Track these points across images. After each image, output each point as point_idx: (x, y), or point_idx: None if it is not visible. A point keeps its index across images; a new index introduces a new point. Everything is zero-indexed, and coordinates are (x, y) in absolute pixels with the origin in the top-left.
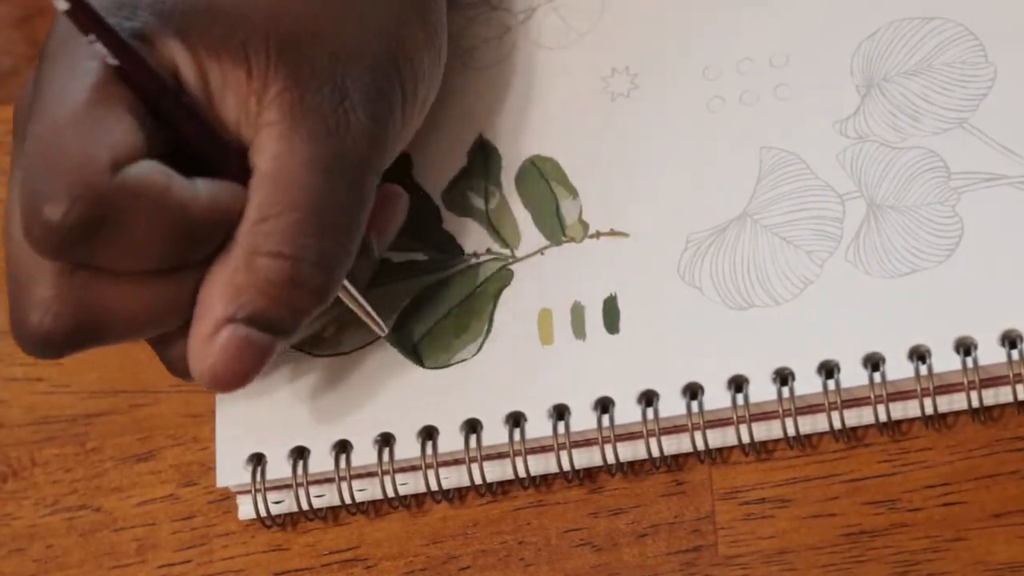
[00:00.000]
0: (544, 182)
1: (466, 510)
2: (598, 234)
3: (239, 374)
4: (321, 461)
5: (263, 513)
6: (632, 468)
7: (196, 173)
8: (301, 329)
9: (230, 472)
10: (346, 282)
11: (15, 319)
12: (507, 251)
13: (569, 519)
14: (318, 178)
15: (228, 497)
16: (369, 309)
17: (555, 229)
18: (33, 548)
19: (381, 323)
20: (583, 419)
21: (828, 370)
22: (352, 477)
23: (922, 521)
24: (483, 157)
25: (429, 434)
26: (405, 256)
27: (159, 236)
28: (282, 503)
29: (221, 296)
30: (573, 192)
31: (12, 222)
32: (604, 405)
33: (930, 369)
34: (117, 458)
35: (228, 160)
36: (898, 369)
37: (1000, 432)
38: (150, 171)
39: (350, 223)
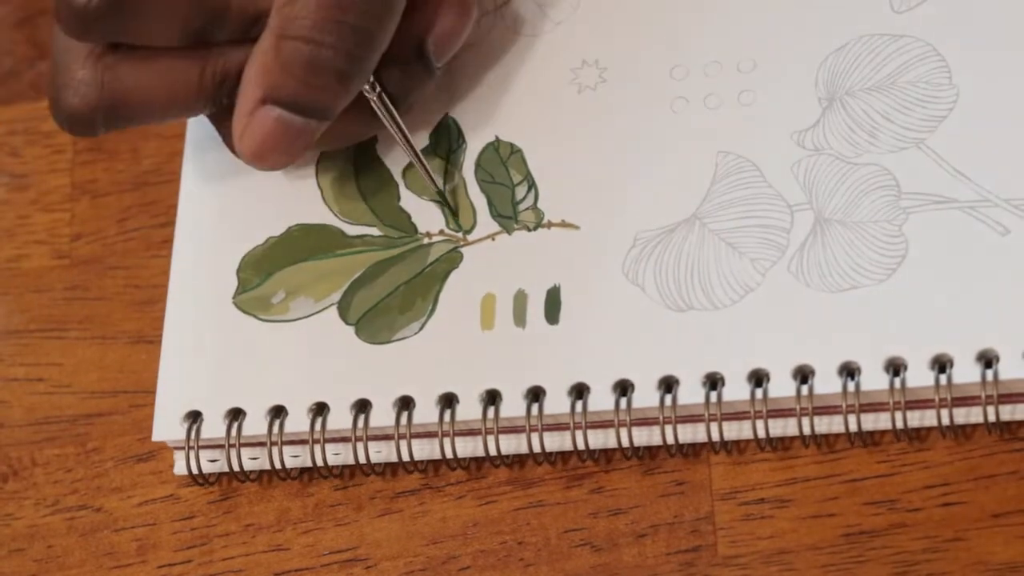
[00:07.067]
0: (503, 168)
1: (466, 510)
2: (550, 224)
3: (274, 152)
4: (256, 424)
5: (195, 471)
6: (562, 459)
7: None
8: (336, 111)
9: (167, 427)
10: (386, 99)
11: (52, 99)
12: (459, 234)
13: (569, 519)
14: None
15: (228, 497)
16: (404, 130)
17: (509, 215)
18: (34, 548)
19: (415, 147)
20: (514, 406)
21: (758, 378)
22: (284, 443)
23: (921, 521)
24: (447, 138)
25: (362, 407)
26: (360, 229)
27: (179, 7)
28: (217, 462)
29: (255, 77)
30: (531, 180)
31: None
32: (536, 394)
33: (857, 387)
34: (117, 458)
35: None
36: (826, 384)
37: (999, 433)
38: None
39: (378, 8)
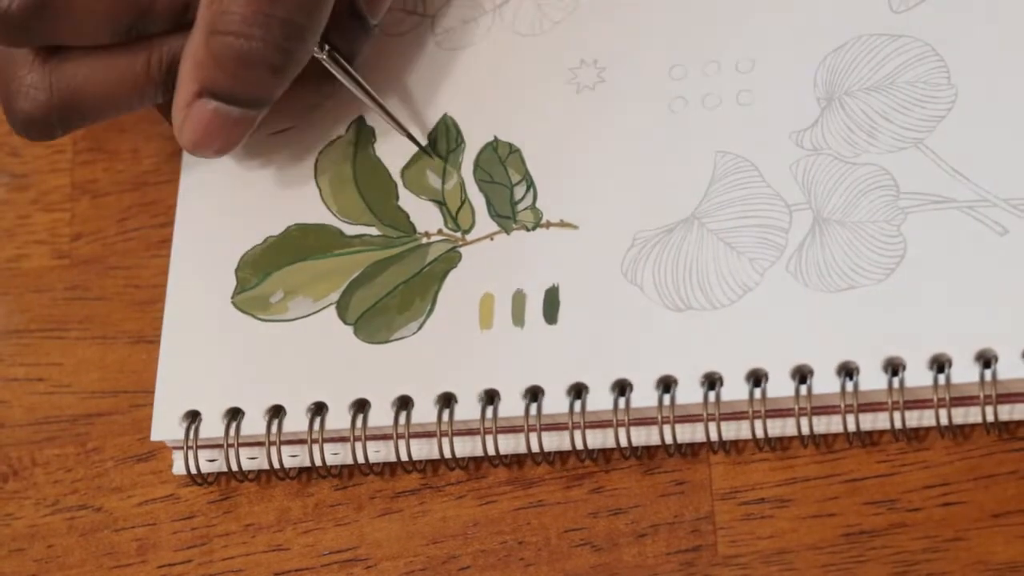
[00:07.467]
0: (502, 167)
1: (466, 510)
2: (548, 224)
3: (215, 142)
4: (254, 424)
5: (193, 470)
6: (561, 459)
7: None
8: (273, 100)
9: (165, 427)
10: (337, 56)
11: (6, 108)
12: (458, 233)
13: (569, 519)
14: None
15: (228, 497)
16: (363, 83)
17: (507, 215)
18: (34, 548)
19: (378, 99)
20: (512, 406)
21: (756, 378)
22: (283, 443)
23: (921, 521)
24: (445, 137)
25: (361, 407)
26: (358, 229)
27: (103, 6)
28: (216, 462)
29: (190, 71)
30: (529, 180)
31: None
32: (534, 394)
33: (856, 386)
34: (117, 458)
35: None
36: (825, 383)
37: (998, 433)
38: None
39: (307, 1)
